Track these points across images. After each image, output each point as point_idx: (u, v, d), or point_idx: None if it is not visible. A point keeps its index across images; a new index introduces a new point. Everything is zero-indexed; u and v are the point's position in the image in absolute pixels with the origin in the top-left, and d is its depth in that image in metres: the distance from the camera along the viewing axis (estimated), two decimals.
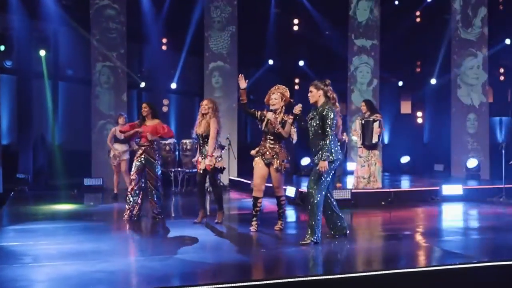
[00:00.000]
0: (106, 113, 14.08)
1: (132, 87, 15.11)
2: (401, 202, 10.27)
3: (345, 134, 11.05)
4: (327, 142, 6.38)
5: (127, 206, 8.57)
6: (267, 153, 7.31)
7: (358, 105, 15.30)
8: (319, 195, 6.43)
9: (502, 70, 15.89)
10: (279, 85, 7.45)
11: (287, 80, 16.09)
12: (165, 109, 14.12)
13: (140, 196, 8.60)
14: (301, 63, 16.62)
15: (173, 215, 9.46)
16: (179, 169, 12.76)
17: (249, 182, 12.36)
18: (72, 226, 8.09)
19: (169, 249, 6.35)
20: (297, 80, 17.73)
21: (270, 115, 7.27)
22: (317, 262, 6.00)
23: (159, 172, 8.64)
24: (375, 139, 10.35)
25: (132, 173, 8.60)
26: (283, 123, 7.25)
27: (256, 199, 7.43)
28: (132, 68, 15.14)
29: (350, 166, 13.50)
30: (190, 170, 12.85)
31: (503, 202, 10.48)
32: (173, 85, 15.07)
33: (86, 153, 14.06)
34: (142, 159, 8.52)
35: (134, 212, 8.58)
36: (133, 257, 6.21)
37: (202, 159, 7.88)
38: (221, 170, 7.99)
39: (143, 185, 8.62)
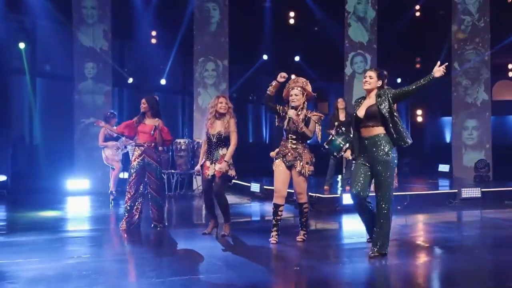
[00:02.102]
0: (90, 110, 13.11)
1: (119, 83, 14.15)
2: (418, 207, 9.54)
3: None
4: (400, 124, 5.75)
5: (125, 214, 7.66)
6: (289, 154, 6.50)
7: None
8: (391, 199, 5.75)
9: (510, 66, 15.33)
10: (298, 78, 6.65)
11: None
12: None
13: (140, 203, 7.71)
14: (296, 58, 15.80)
15: (174, 223, 8.53)
16: (173, 171, 11.86)
17: (248, 184, 11.57)
18: (59, 238, 7.15)
19: (188, 268, 5.48)
20: (293, 76, 16.87)
21: (291, 113, 6.45)
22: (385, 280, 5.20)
23: (161, 176, 7.76)
24: None
25: (130, 177, 7.69)
26: (306, 121, 6.45)
27: (277, 206, 6.61)
28: (119, 63, 14.19)
29: None
30: (185, 172, 11.98)
31: None
32: (163, 81, 14.14)
33: (69, 153, 13.09)
34: (142, 161, 7.62)
35: (134, 221, 7.68)
36: (145, 279, 5.15)
37: (211, 163, 7.00)
38: (231, 179, 7.05)
39: (143, 190, 7.73)
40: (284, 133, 6.59)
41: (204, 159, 7.10)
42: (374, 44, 14.91)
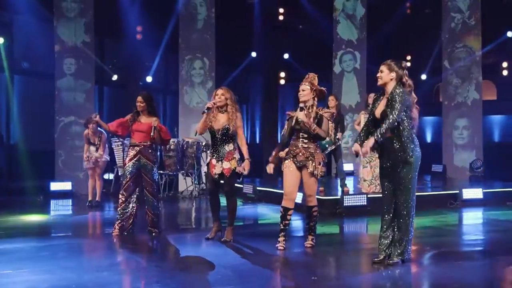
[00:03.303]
0: (70, 108, 12.55)
1: (102, 80, 13.59)
2: (419, 208, 9.15)
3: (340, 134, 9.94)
4: (386, 123, 5.24)
5: (118, 218, 7.16)
6: (300, 154, 6.09)
7: (345, 102, 14.42)
8: (413, 202, 5.45)
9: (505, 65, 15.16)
10: (309, 74, 6.26)
11: (271, 74, 14.95)
12: None
13: (135, 207, 7.23)
14: (286, 55, 15.40)
15: (168, 227, 8.02)
16: (162, 171, 11.36)
17: (241, 185, 11.13)
18: (48, 246, 6.59)
19: (196, 279, 5.05)
20: (282, 74, 16.53)
21: (301, 115, 6.05)
22: None
23: (157, 177, 7.28)
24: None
25: (124, 179, 7.20)
26: (318, 119, 6.06)
27: (286, 210, 6.20)
28: (103, 59, 13.64)
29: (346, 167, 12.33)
30: (174, 173, 11.50)
31: None
32: (149, 79, 13.62)
33: (49, 153, 12.51)
34: (137, 162, 7.14)
35: (127, 226, 7.19)
36: None
37: (218, 161, 6.53)
38: (240, 176, 6.61)
39: (138, 193, 7.24)
40: (294, 132, 6.18)
41: (209, 157, 6.63)
42: (363, 42, 14.64)
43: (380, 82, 5.46)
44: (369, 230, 8.13)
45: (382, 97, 5.50)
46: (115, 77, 13.70)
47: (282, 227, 6.22)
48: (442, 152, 14.04)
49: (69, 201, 10.87)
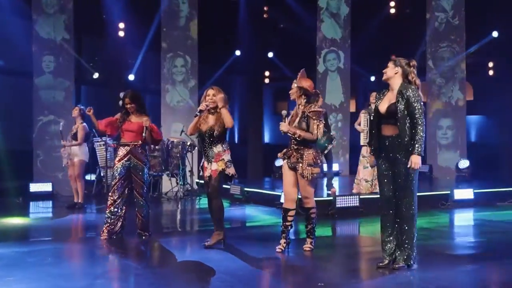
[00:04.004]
0: (49, 107, 12.17)
1: (80, 78, 13.20)
2: None
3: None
4: (419, 131, 5.06)
5: (107, 221, 6.87)
6: (292, 156, 5.95)
7: (328, 102, 14.27)
8: (415, 204, 5.21)
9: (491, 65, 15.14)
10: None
11: (255, 73, 14.72)
12: (121, 103, 12.18)
13: (124, 209, 6.94)
14: (270, 54, 15.16)
15: (158, 230, 7.67)
16: None
17: (227, 187, 10.87)
18: (33, 251, 6.23)
19: (196, 286, 4.78)
20: (267, 73, 16.30)
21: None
22: None
23: (147, 178, 6.99)
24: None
25: (113, 180, 6.92)
26: (307, 120, 5.86)
27: (287, 211, 6.01)
28: (84, 56, 13.26)
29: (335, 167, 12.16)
30: (158, 174, 11.20)
31: None
32: (131, 77, 13.24)
33: (27, 153, 12.11)
34: (127, 162, 6.86)
35: (116, 229, 6.91)
36: None
37: (208, 163, 6.29)
38: (231, 177, 6.34)
39: (127, 195, 6.95)
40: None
41: (202, 160, 6.38)
42: (347, 41, 14.51)
43: (384, 77, 5.31)
44: (365, 232, 7.97)
45: (386, 92, 5.33)
46: (96, 75, 13.29)
47: (283, 228, 6.03)
48: (426, 152, 13.99)
49: (50, 203, 10.50)
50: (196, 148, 11.25)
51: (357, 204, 8.75)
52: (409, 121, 5.13)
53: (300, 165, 5.88)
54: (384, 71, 5.30)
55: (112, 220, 6.86)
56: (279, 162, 13.48)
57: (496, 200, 9.93)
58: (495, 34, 13.59)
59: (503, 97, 14.46)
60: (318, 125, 5.88)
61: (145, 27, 13.12)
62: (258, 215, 9.25)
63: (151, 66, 14.28)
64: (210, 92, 6.26)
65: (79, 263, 5.81)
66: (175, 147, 11.17)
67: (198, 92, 13.27)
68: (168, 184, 11.56)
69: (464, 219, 8.96)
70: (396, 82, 5.22)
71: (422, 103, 5.15)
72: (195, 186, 11.83)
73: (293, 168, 5.95)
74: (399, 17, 15.25)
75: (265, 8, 14.51)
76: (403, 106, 5.12)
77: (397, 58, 5.33)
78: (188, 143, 11.22)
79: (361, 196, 8.90)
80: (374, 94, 9.13)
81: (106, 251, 6.38)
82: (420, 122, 5.07)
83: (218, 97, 6.18)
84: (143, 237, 6.89)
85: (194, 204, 10.53)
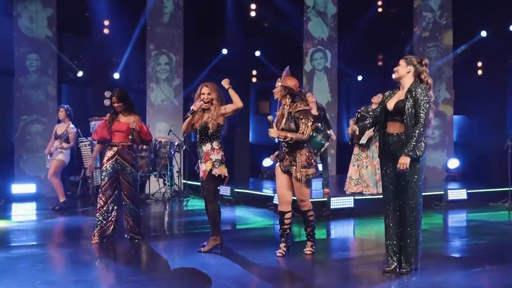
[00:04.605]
0: (33, 107, 11.82)
1: (62, 77, 12.85)
2: None
3: (332, 131, 9.64)
4: (417, 133, 4.90)
5: (98, 225, 6.63)
6: (285, 159, 5.77)
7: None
8: (420, 206, 5.08)
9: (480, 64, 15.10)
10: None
11: (243, 72, 14.50)
12: (107, 102, 11.90)
13: (115, 212, 6.71)
14: (257, 53, 14.96)
15: (149, 233, 7.43)
16: None
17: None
18: (22, 256, 5.95)
19: None
20: (254, 72, 16.08)
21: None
22: None
23: (134, 179, 6.72)
24: (363, 140, 9.01)
25: (102, 182, 6.68)
26: (295, 121, 5.67)
27: (282, 214, 5.83)
28: (65, 54, 12.91)
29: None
30: (146, 174, 10.95)
31: (509, 207, 9.56)
32: (116, 75, 12.92)
33: (9, 153, 11.75)
34: (114, 163, 6.62)
35: (108, 233, 6.67)
36: None
37: (201, 163, 6.06)
38: (222, 179, 6.03)
39: (117, 196, 6.71)
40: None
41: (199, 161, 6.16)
42: (335, 40, 14.39)
43: (395, 76, 5.16)
44: (360, 234, 7.83)
45: (396, 91, 5.18)
46: (80, 73, 12.97)
47: (281, 232, 5.86)
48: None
49: (34, 205, 10.17)
50: (184, 148, 11.03)
51: (352, 205, 8.61)
52: (414, 120, 5.00)
53: (294, 168, 5.70)
54: (395, 69, 5.15)
55: (103, 224, 6.63)
56: (266, 163, 13.33)
57: (489, 201, 9.87)
58: (483, 33, 13.56)
59: (484, 97, 14.52)
60: (306, 124, 5.69)
61: (131, 24, 12.82)
62: (249, 217, 9.07)
63: (135, 64, 13.98)
64: (205, 90, 6.04)
65: (72, 269, 5.55)
66: (163, 147, 10.93)
67: (183, 92, 13.04)
68: (155, 185, 11.30)
69: (459, 220, 8.89)
70: (407, 81, 5.08)
71: (430, 104, 4.99)
72: (183, 187, 11.60)
73: (287, 172, 5.77)
74: (386, 16, 15.17)
75: (252, 7, 14.27)
76: (411, 104, 4.97)
77: (409, 56, 5.19)
78: (176, 143, 11.00)
79: (355, 197, 8.76)
80: (380, 95, 8.96)
81: (100, 256, 6.13)
82: (421, 125, 4.92)
83: (224, 80, 6.01)
84: (135, 240, 6.68)
85: (182, 205, 10.30)
